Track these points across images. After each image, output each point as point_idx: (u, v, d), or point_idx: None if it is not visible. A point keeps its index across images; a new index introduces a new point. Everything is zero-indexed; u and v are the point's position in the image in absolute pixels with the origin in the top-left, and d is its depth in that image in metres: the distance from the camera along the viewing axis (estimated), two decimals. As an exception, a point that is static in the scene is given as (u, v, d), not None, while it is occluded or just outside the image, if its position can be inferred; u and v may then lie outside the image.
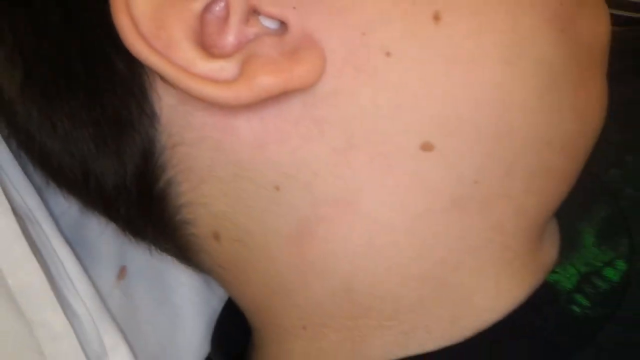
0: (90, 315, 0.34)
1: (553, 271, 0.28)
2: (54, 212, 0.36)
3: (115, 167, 0.27)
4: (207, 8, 0.23)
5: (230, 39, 0.23)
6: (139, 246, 0.32)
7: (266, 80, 0.22)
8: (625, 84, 0.37)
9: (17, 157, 0.35)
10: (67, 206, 0.36)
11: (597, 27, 0.28)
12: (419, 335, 0.27)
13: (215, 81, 0.23)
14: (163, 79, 0.24)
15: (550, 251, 0.29)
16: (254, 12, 0.23)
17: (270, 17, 0.23)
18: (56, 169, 0.29)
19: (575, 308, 0.27)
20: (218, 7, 0.23)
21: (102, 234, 0.35)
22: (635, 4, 0.66)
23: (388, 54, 0.23)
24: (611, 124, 0.30)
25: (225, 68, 0.23)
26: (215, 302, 0.39)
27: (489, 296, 0.27)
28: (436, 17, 0.23)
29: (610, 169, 0.33)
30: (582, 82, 0.27)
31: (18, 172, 0.35)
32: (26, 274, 0.32)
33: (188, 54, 0.23)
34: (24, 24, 0.26)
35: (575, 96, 0.26)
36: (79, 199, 0.32)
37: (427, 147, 0.24)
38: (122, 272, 0.38)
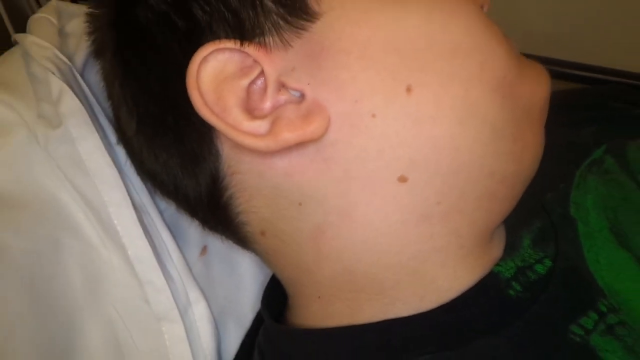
0: (180, 278, 0.38)
1: (497, 264, 0.30)
2: (160, 208, 0.40)
3: (194, 186, 0.31)
4: (252, 83, 0.27)
5: (268, 104, 0.27)
6: (215, 235, 0.36)
7: (287, 136, 0.27)
8: (571, 130, 0.39)
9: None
10: (168, 205, 0.40)
11: (536, 93, 0.31)
12: (397, 306, 0.30)
13: (254, 135, 0.27)
14: (220, 132, 0.28)
15: (497, 249, 0.32)
16: (282, 86, 0.27)
17: (293, 89, 0.27)
18: (159, 183, 0.34)
19: (511, 292, 0.30)
20: (260, 82, 0.28)
21: (191, 223, 0.37)
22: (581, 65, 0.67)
23: (374, 116, 0.27)
24: (552, 160, 0.32)
25: (261, 126, 0.27)
26: (265, 274, 0.43)
27: (448, 280, 0.30)
28: (408, 90, 0.27)
29: (547, 193, 0.35)
30: (519, 135, 0.29)
31: (137, 180, 0.39)
32: (140, 247, 0.37)
33: (237, 117, 0.27)
34: (138, 92, 0.31)
35: (513, 145, 0.29)
36: (174, 203, 0.35)
37: (402, 179, 0.28)
38: (204, 250, 0.42)
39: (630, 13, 0.66)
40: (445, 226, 0.29)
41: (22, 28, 0.42)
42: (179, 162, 0.31)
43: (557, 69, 0.67)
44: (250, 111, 0.27)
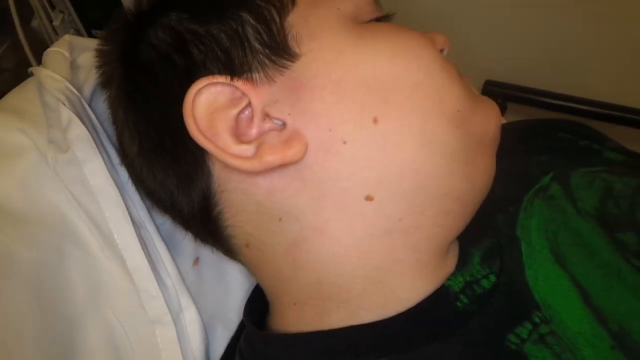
0: (174, 286, 0.40)
1: (448, 279, 0.32)
2: (157, 222, 0.42)
3: (188, 202, 0.33)
4: (240, 112, 0.30)
5: (254, 130, 0.30)
6: (206, 246, 0.37)
7: (270, 159, 0.29)
8: (525, 158, 0.41)
9: (136, 190, 0.40)
10: (165, 220, 0.42)
11: (486, 124, 0.33)
12: (361, 313, 0.31)
13: (241, 157, 0.29)
14: (212, 154, 0.30)
15: (450, 264, 0.33)
16: (267, 115, 0.30)
17: (276, 118, 0.29)
18: (156, 199, 0.36)
19: (459, 304, 0.31)
20: (247, 112, 0.30)
21: (185, 236, 0.38)
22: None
23: (345, 142, 0.29)
24: (506, 185, 0.34)
25: (247, 150, 0.29)
26: (250, 283, 0.44)
27: (407, 291, 0.31)
28: (375, 120, 0.29)
29: (498, 215, 0.37)
30: (471, 160, 0.31)
31: (137, 198, 0.41)
32: (137, 259, 0.38)
33: (226, 141, 0.29)
34: (140, 120, 0.33)
35: (465, 168, 0.31)
36: (170, 217, 0.37)
37: (369, 198, 0.30)
38: (196, 261, 0.44)
39: (592, 42, 0.69)
40: (405, 241, 0.31)
41: (41, 55, 0.45)
42: (175, 181, 0.32)
43: (522, 95, 0.70)
44: (238, 137, 0.29)
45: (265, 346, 0.34)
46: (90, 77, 0.44)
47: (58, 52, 0.45)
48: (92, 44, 0.47)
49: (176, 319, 0.39)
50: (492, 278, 0.33)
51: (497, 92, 0.74)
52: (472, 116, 0.32)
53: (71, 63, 0.45)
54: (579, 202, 0.36)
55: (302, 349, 0.33)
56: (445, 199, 0.31)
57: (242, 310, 0.41)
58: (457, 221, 0.33)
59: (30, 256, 0.37)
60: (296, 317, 0.33)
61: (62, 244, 0.38)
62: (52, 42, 0.54)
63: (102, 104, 0.43)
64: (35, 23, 0.78)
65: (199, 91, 0.29)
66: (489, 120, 0.33)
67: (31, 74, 0.44)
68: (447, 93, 0.31)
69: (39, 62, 0.45)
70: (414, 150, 0.30)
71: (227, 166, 0.30)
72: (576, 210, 0.36)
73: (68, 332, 0.37)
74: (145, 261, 0.38)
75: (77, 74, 0.44)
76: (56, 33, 0.75)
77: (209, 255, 0.43)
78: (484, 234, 0.35)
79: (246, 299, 0.41)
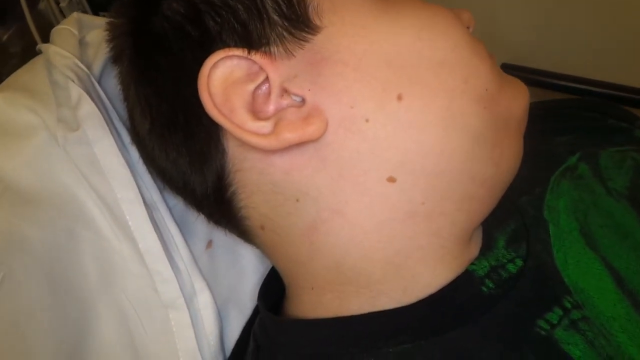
0: (187, 269, 0.39)
1: (472, 263, 0.31)
2: (169, 204, 0.41)
3: (201, 182, 0.32)
4: (257, 87, 0.28)
5: (271, 107, 0.28)
6: (219, 229, 0.36)
7: (289, 136, 0.28)
8: (548, 139, 0.39)
9: (147, 169, 0.40)
10: (177, 202, 0.41)
11: (514, 105, 0.31)
12: (382, 299, 0.30)
13: (258, 134, 0.28)
14: (227, 131, 0.29)
15: (474, 249, 0.32)
16: (285, 91, 0.28)
17: (295, 94, 0.28)
18: (168, 179, 0.34)
19: (484, 288, 0.30)
20: (265, 87, 0.29)
21: (198, 218, 0.37)
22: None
23: (367, 120, 0.28)
24: (529, 165, 0.33)
25: (264, 127, 0.28)
26: (265, 266, 0.43)
27: (428, 277, 0.30)
28: (399, 97, 0.28)
29: (523, 196, 0.36)
30: (497, 142, 0.30)
31: (148, 178, 0.40)
32: (149, 241, 0.38)
33: (243, 117, 0.28)
34: (152, 95, 0.32)
35: (492, 151, 0.30)
36: (182, 198, 0.36)
37: (391, 179, 0.29)
38: (209, 244, 0.43)
39: (609, 26, 0.67)
40: (428, 226, 0.30)
41: (48, 39, 0.44)
42: (187, 159, 0.32)
43: (540, 78, 0.68)
44: (255, 113, 0.28)
45: (281, 332, 0.34)
46: (99, 54, 0.43)
47: (66, 29, 0.43)
48: (100, 21, 0.46)
49: (189, 302, 0.38)
50: (519, 262, 0.32)
51: (514, 75, 0.72)
52: (499, 96, 0.30)
53: (79, 41, 0.43)
54: (609, 182, 0.35)
55: (319, 335, 0.32)
56: (470, 183, 0.30)
57: (254, 294, 0.41)
58: (482, 206, 0.31)
59: (42, 237, 0.36)
60: (314, 302, 0.33)
61: (73, 225, 0.37)
62: (58, 22, 0.52)
63: (111, 82, 0.41)
64: (42, 5, 0.77)
65: (214, 65, 0.28)
66: (517, 100, 0.32)
67: (39, 52, 0.43)
68: (474, 71, 0.29)
69: (47, 45, 0.43)
70: (438, 130, 0.29)
71: (242, 144, 0.29)
72: (606, 191, 0.34)
73: (81, 316, 0.37)
74: (158, 243, 0.37)
75: (85, 51, 0.43)
76: (63, 15, 0.74)
77: (222, 238, 0.42)
78: (508, 216, 0.34)
79: (259, 281, 0.41)
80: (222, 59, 0.28)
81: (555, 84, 0.69)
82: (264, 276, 0.41)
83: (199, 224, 0.42)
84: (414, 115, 0.28)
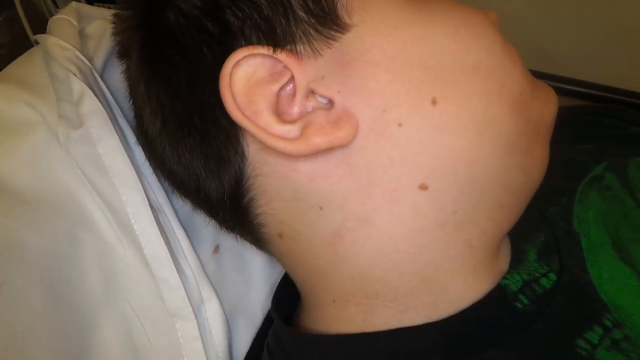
0: (194, 276, 0.37)
1: (504, 277, 0.29)
2: (175, 207, 0.38)
3: (217, 187, 0.29)
4: (281, 88, 0.26)
5: (295, 109, 0.26)
6: (228, 234, 0.35)
7: (318, 141, 0.26)
8: (569, 146, 0.38)
9: (155, 172, 0.37)
10: (183, 204, 0.38)
11: (545, 110, 0.30)
12: (410, 313, 0.28)
13: (284, 139, 0.26)
14: (250, 134, 0.27)
15: (503, 262, 0.30)
16: (312, 92, 0.26)
17: (322, 96, 0.26)
18: (179, 183, 0.32)
19: (519, 305, 0.28)
20: (289, 88, 0.26)
21: (205, 222, 0.36)
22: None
23: (400, 125, 0.26)
24: (555, 174, 0.31)
25: (291, 130, 0.26)
26: (276, 273, 0.41)
27: (460, 290, 0.28)
28: (433, 102, 0.26)
29: (550, 207, 0.34)
30: (529, 149, 0.29)
31: (154, 180, 0.37)
32: (155, 246, 0.35)
33: (267, 120, 0.26)
34: (164, 93, 0.29)
35: (523, 158, 0.29)
36: (191, 202, 0.34)
37: (423, 187, 0.27)
38: (216, 249, 0.40)
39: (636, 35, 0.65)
40: (459, 235, 0.28)
41: (39, 29, 0.40)
42: (202, 163, 0.29)
43: (563, 86, 0.66)
44: (279, 115, 0.26)
45: (302, 347, 0.31)
46: (101, 47, 0.40)
47: (65, 19, 0.40)
48: (100, 12, 0.43)
49: (197, 311, 0.36)
50: (553, 276, 0.30)
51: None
52: (532, 101, 0.29)
53: (79, 32, 0.40)
54: (639, 194, 0.33)
55: (343, 351, 0.29)
56: (501, 191, 0.28)
57: (265, 303, 0.40)
58: (510, 215, 0.30)
59: (41, 242, 0.33)
60: (335, 316, 0.30)
61: (75, 230, 0.34)
62: (51, 16, 0.48)
63: (114, 77, 0.38)
64: (33, -7, 0.72)
65: (237, 63, 0.25)
66: (548, 106, 0.30)
67: (36, 43, 0.40)
68: (508, 75, 0.28)
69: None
70: (473, 136, 0.27)
71: (264, 147, 0.27)
72: (636, 203, 0.33)
73: (82, 326, 0.34)
74: (165, 248, 0.35)
75: (86, 43, 0.40)
76: (56, 6, 0.69)
77: (230, 243, 0.39)
78: (537, 228, 0.32)
79: (270, 289, 0.39)
80: (245, 56, 0.25)
81: (572, 90, 0.67)
82: (275, 284, 0.38)
83: (206, 227, 0.40)
84: (449, 120, 0.27)
